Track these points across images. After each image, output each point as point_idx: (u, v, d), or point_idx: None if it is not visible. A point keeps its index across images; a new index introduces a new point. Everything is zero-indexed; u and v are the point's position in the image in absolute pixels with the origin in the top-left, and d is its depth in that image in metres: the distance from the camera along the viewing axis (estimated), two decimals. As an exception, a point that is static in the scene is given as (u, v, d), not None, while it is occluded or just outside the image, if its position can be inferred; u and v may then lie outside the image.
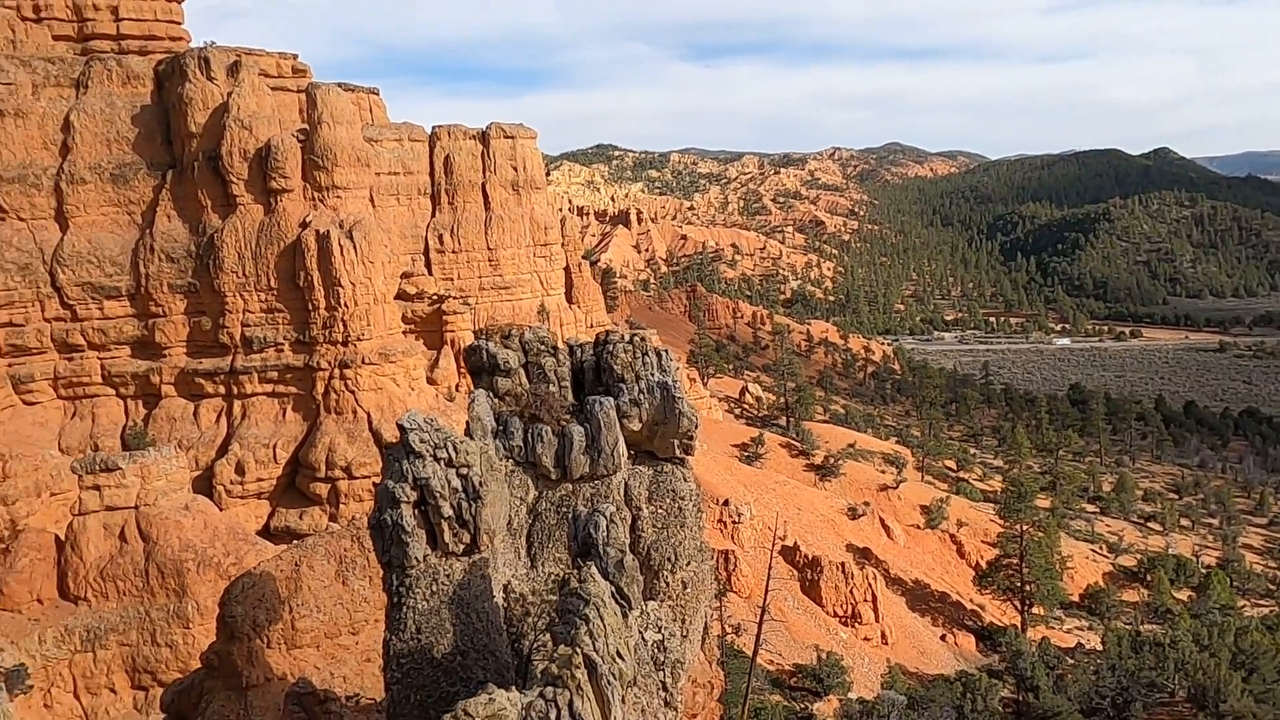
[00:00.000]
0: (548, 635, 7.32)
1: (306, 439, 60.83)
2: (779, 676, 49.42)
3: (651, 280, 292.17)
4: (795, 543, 63.49)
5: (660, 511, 11.48)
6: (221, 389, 62.48)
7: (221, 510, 54.37)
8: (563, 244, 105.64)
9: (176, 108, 62.19)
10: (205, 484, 58.26)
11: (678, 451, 11.78)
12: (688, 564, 11.22)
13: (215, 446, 61.28)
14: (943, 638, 62.40)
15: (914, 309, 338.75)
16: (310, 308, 61.15)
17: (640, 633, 8.36)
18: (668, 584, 11.07)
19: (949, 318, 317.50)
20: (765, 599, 37.88)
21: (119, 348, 62.56)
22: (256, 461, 60.11)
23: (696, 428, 11.65)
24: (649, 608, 9.15)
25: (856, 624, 58.38)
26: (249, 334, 61.81)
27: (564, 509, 10.88)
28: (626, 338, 12.07)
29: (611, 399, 11.44)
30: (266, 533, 57.14)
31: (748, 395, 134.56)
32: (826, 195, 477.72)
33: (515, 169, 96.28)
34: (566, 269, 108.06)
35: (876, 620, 58.73)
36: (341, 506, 58.63)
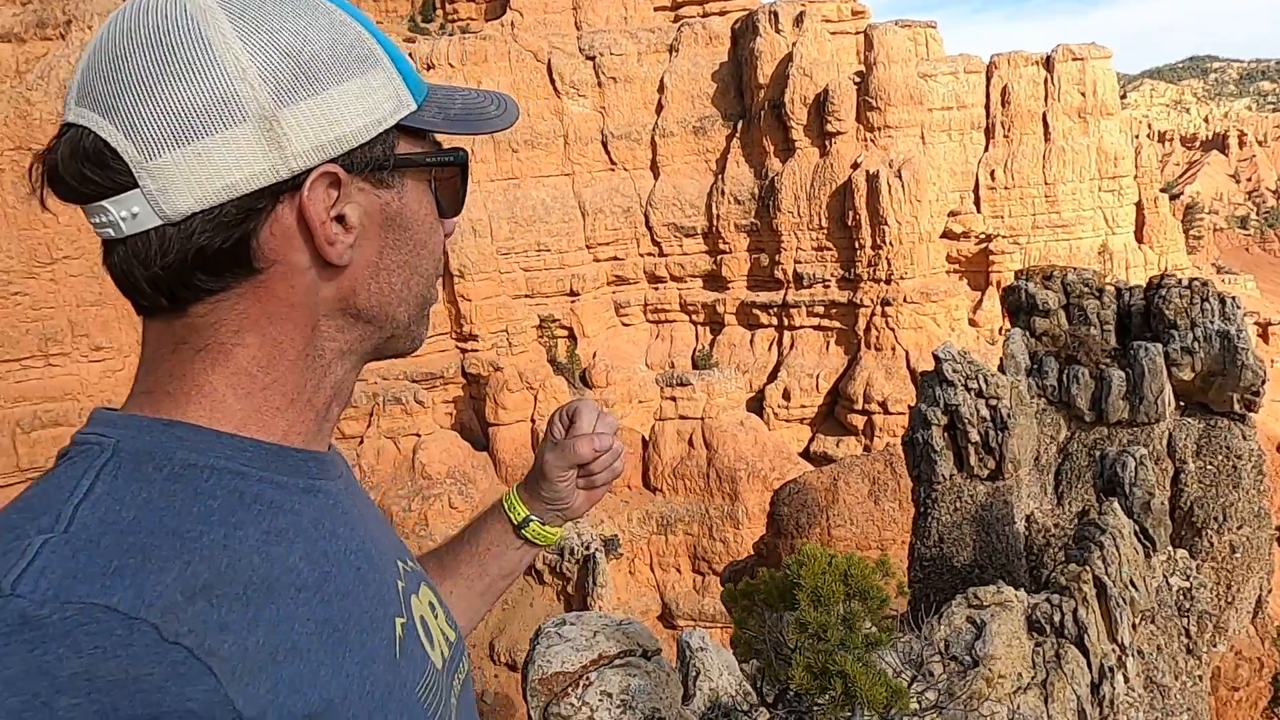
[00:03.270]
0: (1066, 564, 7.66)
1: (846, 372, 64.24)
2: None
3: (1253, 216, 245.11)
4: None
5: (1209, 468, 10.66)
6: (774, 320, 68.71)
7: (769, 430, 60.44)
8: (1135, 176, 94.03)
9: (748, 61, 68.50)
10: (756, 405, 65.04)
11: (1237, 406, 10.75)
12: (1239, 528, 10.30)
13: (766, 372, 67.82)
14: None
15: None
16: (856, 246, 63.90)
17: (1164, 576, 8.15)
18: (1211, 544, 10.31)
19: None
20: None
21: (693, 280, 72.11)
22: (800, 389, 65.26)
23: (1264, 383, 10.50)
24: (1178, 555, 8.78)
25: None
26: (800, 270, 66.78)
27: (1096, 451, 10.75)
28: (1184, 281, 11.24)
29: (1159, 345, 10.84)
30: (806, 455, 62.03)
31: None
32: None
33: (1083, 94, 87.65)
34: (1139, 204, 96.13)
35: None
36: (875, 439, 61.05)
